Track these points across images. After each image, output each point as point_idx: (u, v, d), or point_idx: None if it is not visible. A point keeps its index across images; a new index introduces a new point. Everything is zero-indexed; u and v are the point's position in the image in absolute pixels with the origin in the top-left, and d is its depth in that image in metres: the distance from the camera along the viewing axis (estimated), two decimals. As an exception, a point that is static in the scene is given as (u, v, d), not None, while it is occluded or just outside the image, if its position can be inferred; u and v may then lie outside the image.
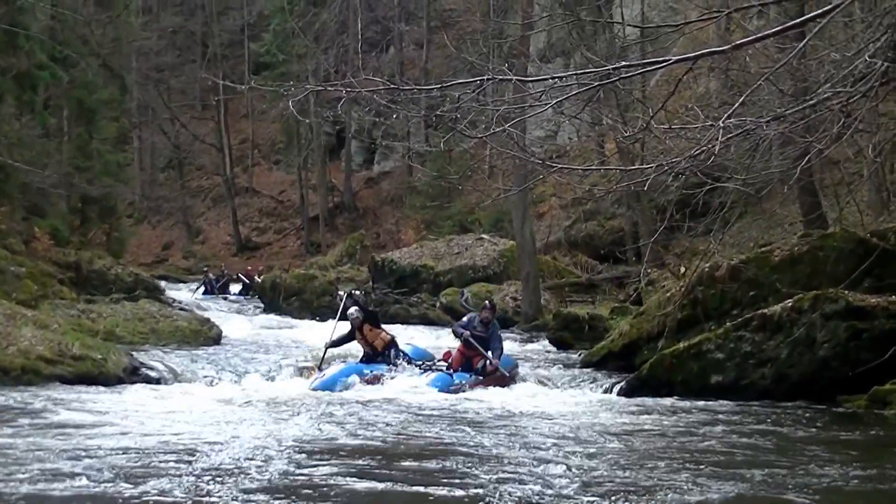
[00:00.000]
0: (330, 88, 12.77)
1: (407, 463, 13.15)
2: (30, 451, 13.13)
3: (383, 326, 23.60)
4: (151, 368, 22.43)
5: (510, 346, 29.53)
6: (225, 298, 49.83)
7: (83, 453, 12.92)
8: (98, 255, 43.60)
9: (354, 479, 11.93)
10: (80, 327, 25.96)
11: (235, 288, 54.90)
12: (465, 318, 23.42)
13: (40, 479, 11.54)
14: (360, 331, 22.91)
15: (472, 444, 14.68)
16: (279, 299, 41.66)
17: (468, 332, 22.39)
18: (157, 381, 21.59)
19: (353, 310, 23.23)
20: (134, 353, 23.65)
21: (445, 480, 12.02)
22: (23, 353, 21.01)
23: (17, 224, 37.85)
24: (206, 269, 58.59)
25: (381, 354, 22.65)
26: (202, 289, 53.67)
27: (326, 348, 23.30)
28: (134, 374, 21.74)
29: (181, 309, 35.13)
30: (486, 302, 24.16)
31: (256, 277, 52.71)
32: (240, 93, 77.65)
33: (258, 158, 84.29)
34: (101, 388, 20.21)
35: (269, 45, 74.94)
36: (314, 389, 20.49)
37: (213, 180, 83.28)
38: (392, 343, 22.95)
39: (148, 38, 72.20)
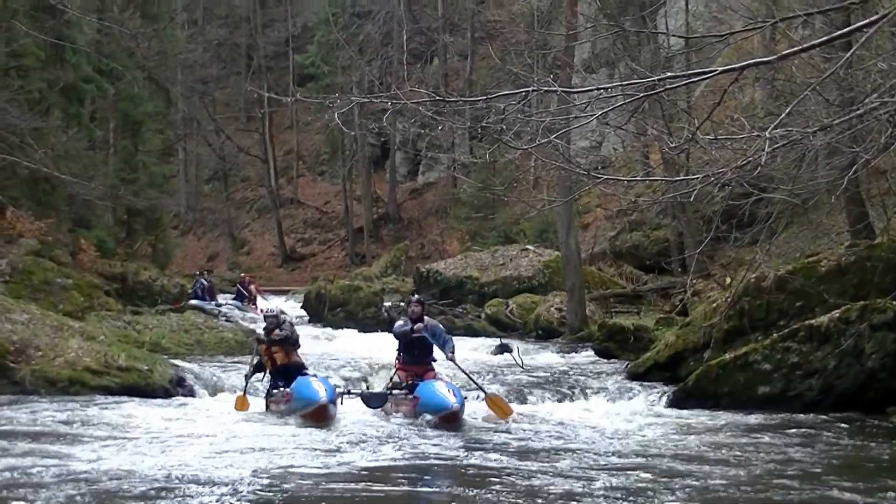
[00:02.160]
0: (375, 100, 12.80)
1: (445, 482, 13.16)
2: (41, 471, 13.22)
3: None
4: (197, 379, 22.51)
5: (556, 358, 29.41)
6: (218, 306, 43.55)
7: (104, 476, 12.98)
8: (144, 266, 43.90)
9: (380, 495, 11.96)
10: (127, 339, 26.10)
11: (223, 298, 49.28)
12: (396, 326, 20.61)
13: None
14: (274, 346, 20.32)
15: (515, 459, 14.68)
16: (324, 310, 41.67)
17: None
18: (202, 393, 21.69)
19: (273, 308, 22.05)
20: (180, 363, 23.76)
21: (488, 495, 12.02)
22: (70, 365, 21.16)
23: (63, 236, 38.11)
24: (197, 272, 49.60)
25: (290, 374, 19.98)
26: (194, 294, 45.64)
27: (248, 378, 20.74)
28: (179, 386, 21.87)
29: (226, 320, 35.24)
30: (412, 296, 22.15)
31: (253, 288, 49.12)
32: (284, 104, 77.91)
33: (303, 170, 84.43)
34: (147, 400, 20.31)
35: (314, 56, 75.23)
36: (331, 402, 18.65)
37: (257, 192, 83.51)
38: (302, 366, 20.45)
39: (193, 51, 72.46)
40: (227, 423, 18.16)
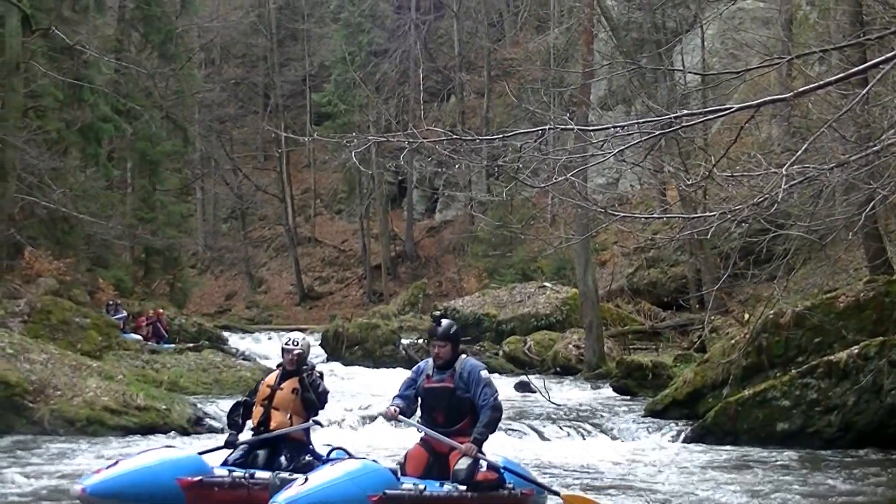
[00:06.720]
0: (391, 139, 12.79)
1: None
2: None
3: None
4: (215, 418, 22.48)
5: (574, 395, 29.22)
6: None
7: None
8: (162, 305, 43.86)
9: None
10: (145, 378, 26.09)
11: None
12: (413, 370, 13.11)
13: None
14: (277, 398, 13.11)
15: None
16: (342, 348, 41.65)
17: (402, 405, 12.52)
18: (221, 431, 21.64)
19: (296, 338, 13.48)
20: (198, 403, 23.73)
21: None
22: (88, 404, 21.18)
23: (81, 275, 38.19)
24: (110, 302, 39.32)
25: (285, 447, 12.95)
26: None
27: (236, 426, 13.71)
28: (198, 425, 21.84)
29: (244, 359, 35.20)
30: (435, 324, 13.08)
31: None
32: (302, 143, 77.84)
33: (320, 208, 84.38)
34: (164, 440, 20.26)
35: (331, 95, 75.17)
36: None
37: (275, 230, 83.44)
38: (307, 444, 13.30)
39: (210, 90, 72.56)
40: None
